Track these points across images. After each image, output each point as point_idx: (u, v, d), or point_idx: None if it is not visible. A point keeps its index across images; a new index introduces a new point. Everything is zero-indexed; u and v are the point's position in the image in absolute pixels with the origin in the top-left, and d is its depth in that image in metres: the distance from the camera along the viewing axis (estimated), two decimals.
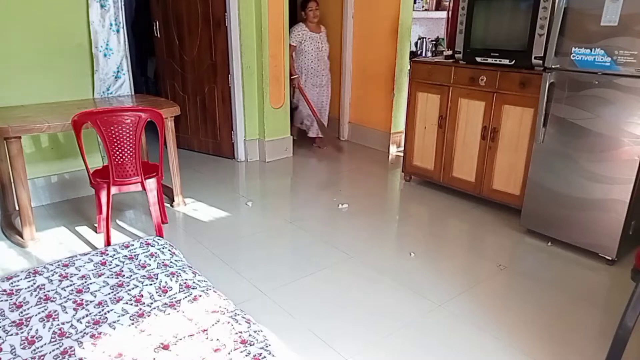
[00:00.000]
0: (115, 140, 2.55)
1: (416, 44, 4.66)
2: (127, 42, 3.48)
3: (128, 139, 2.57)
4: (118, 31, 3.41)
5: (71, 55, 3.29)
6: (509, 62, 3.02)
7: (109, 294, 1.51)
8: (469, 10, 3.22)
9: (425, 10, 4.74)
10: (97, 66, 3.38)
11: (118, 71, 3.47)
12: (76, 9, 3.25)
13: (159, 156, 2.77)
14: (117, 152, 2.58)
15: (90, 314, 1.41)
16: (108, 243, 2.67)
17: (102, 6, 3.29)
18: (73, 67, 3.32)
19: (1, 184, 3.03)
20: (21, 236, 2.79)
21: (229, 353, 1.24)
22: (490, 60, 3.12)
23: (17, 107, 3.04)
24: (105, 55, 3.38)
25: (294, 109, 4.71)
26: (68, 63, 3.29)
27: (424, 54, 4.56)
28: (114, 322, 1.37)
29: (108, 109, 2.56)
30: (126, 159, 2.61)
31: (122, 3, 3.41)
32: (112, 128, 2.52)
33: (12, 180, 2.79)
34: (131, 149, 2.60)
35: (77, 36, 3.29)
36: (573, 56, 2.59)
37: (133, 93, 3.61)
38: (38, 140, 3.28)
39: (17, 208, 2.87)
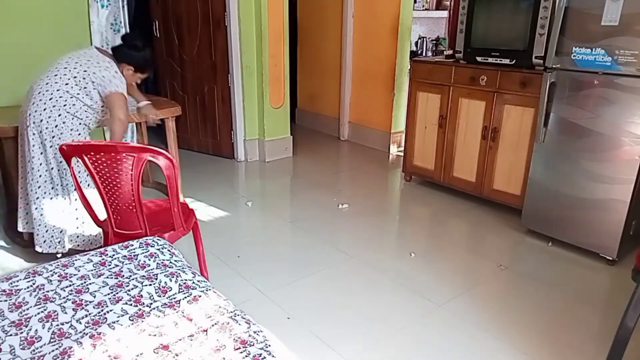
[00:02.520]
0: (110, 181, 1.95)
1: (416, 43, 4.65)
2: None
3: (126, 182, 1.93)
4: (119, 30, 3.40)
5: None
6: (510, 61, 3.02)
7: (109, 294, 1.50)
8: (470, 9, 3.21)
9: (426, 9, 4.73)
10: None
11: None
12: (77, 10, 3.25)
13: None
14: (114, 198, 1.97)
15: (89, 314, 1.40)
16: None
17: (102, 6, 3.29)
18: None
19: (1, 184, 3.02)
20: (22, 236, 2.78)
21: (228, 353, 1.24)
22: (490, 60, 3.12)
23: (18, 107, 3.02)
24: None
25: None
26: None
27: (424, 54, 4.54)
28: (114, 322, 1.36)
29: (100, 145, 1.96)
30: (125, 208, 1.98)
31: (123, 2, 3.40)
32: (105, 167, 1.90)
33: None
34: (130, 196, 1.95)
35: (78, 36, 3.28)
36: (574, 56, 2.59)
37: None
38: None
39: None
